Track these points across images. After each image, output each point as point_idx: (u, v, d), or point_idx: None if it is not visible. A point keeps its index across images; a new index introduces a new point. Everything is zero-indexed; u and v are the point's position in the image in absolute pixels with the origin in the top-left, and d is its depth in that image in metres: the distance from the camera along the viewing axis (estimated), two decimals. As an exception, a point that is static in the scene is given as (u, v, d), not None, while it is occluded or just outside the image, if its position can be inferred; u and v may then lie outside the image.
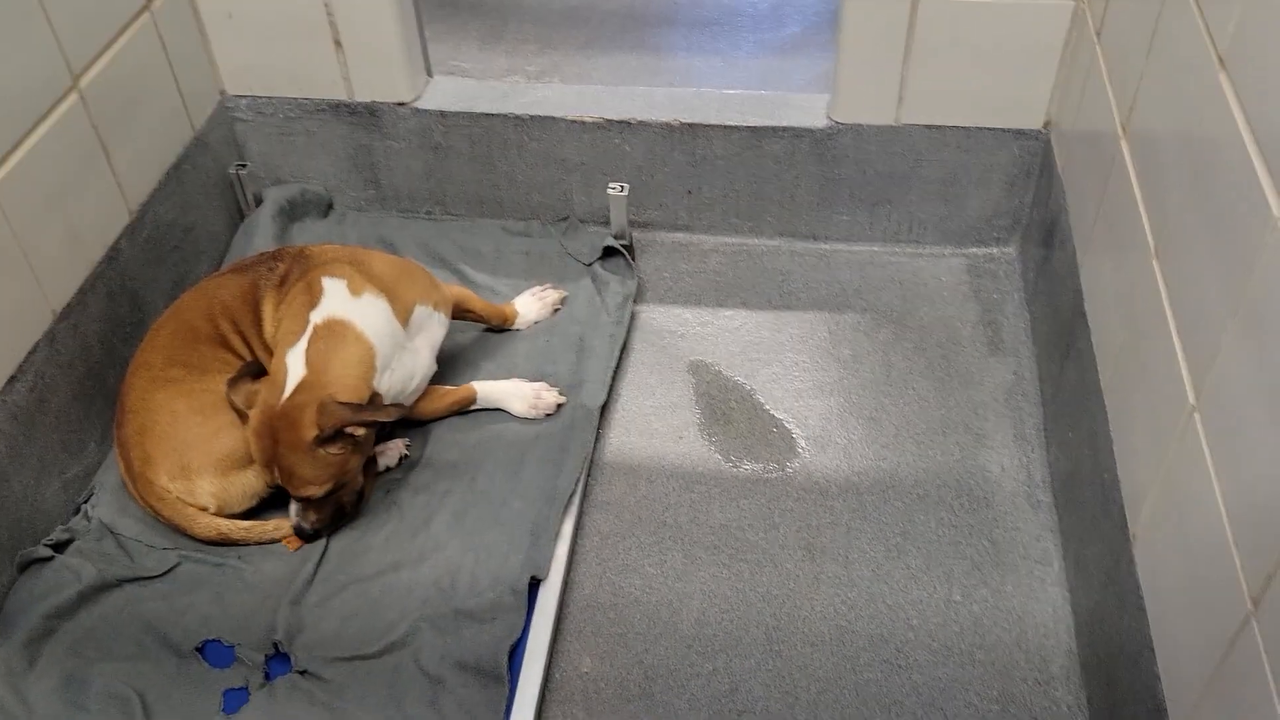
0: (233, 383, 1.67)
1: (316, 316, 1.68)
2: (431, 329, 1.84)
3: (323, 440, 1.58)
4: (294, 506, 1.68)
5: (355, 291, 1.71)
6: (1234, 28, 1.21)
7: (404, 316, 1.76)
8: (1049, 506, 1.77)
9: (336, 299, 1.70)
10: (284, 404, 1.60)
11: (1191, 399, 1.23)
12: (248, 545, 1.72)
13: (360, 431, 1.61)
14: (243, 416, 1.66)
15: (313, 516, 1.68)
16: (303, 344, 1.65)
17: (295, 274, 1.79)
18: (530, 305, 2.08)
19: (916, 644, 1.61)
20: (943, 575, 1.69)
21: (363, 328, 1.68)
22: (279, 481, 1.64)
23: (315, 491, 1.63)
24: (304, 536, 1.70)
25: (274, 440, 1.60)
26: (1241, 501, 1.09)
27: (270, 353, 1.77)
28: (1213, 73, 1.25)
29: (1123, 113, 1.60)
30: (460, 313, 1.97)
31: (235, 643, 1.59)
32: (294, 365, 1.63)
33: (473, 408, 1.91)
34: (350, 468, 1.66)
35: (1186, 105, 1.33)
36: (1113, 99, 1.65)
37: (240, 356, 1.79)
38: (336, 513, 1.70)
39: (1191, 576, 1.20)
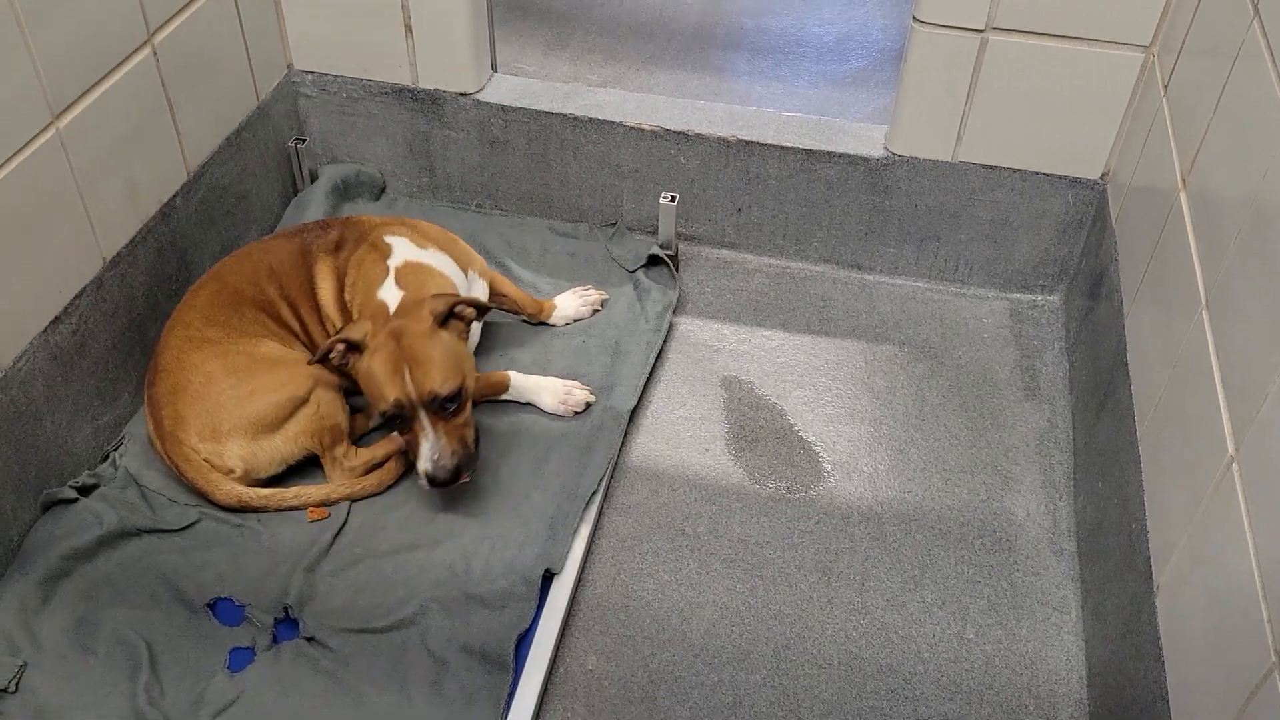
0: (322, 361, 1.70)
1: (394, 262, 1.79)
2: (477, 294, 1.91)
3: (442, 320, 1.67)
4: (425, 448, 1.63)
5: (420, 245, 1.85)
6: (1307, 83, 1.20)
7: (462, 274, 1.87)
8: (1072, 555, 1.75)
9: (406, 250, 1.83)
10: (396, 314, 1.70)
11: (1231, 449, 1.22)
12: (267, 511, 1.73)
13: (470, 312, 1.72)
14: (340, 372, 1.75)
15: (445, 445, 1.63)
16: (390, 281, 1.76)
17: (350, 238, 1.85)
18: (570, 301, 2.10)
19: (925, 677, 1.59)
20: (958, 612, 1.67)
21: (439, 269, 1.82)
22: (408, 393, 1.61)
23: (442, 384, 1.61)
24: (440, 480, 1.63)
25: (398, 343, 1.64)
26: (1275, 552, 1.07)
27: (318, 317, 1.83)
28: (1281, 128, 1.25)
29: (1184, 167, 1.59)
30: (494, 296, 1.99)
31: (246, 603, 1.60)
32: (390, 296, 1.74)
33: (504, 396, 1.92)
34: (467, 368, 1.69)
35: (1252, 161, 1.32)
36: (1175, 153, 1.64)
37: (282, 321, 1.81)
38: (465, 453, 1.65)
39: (1215, 628, 1.18)
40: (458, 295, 1.73)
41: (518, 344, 2.06)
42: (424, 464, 1.64)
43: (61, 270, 1.68)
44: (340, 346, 1.68)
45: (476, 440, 1.72)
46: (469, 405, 1.70)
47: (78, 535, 1.63)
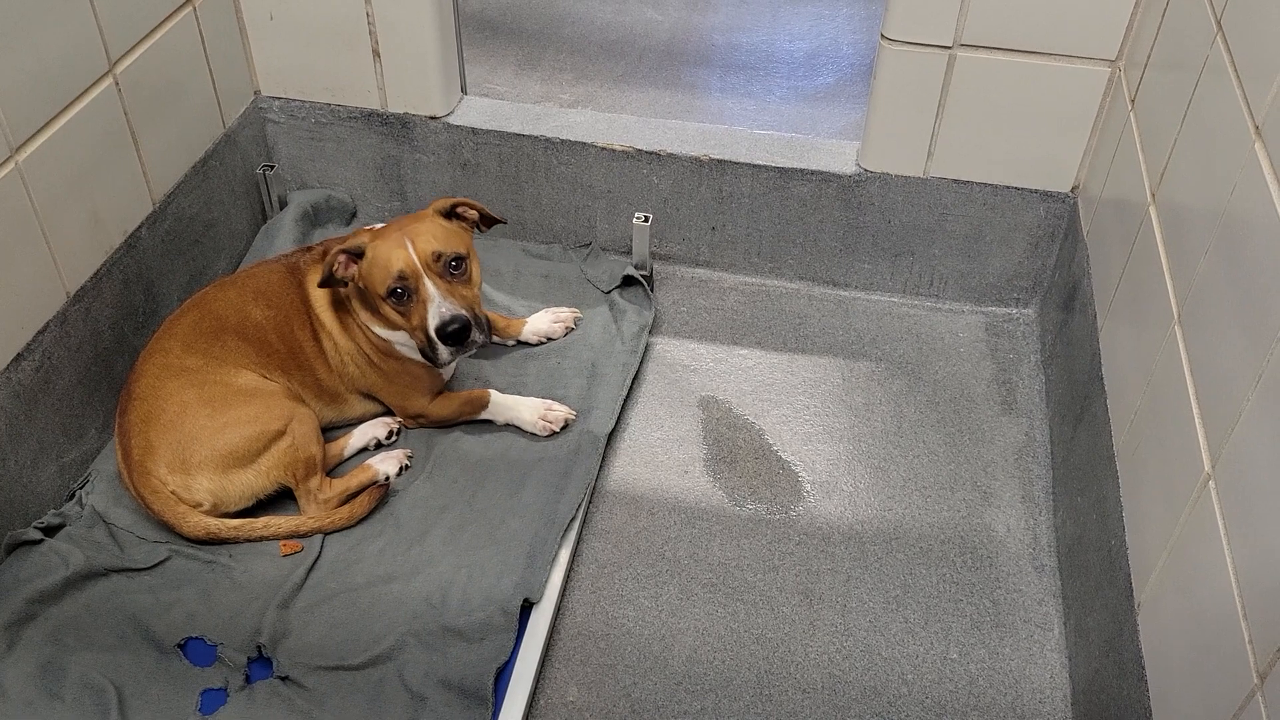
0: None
1: None
2: None
3: (445, 215, 1.76)
4: (431, 309, 1.68)
5: None
6: (1272, 98, 1.20)
7: None
8: (1053, 570, 1.74)
9: None
10: (399, 218, 1.78)
11: (1207, 467, 1.21)
12: (237, 544, 1.70)
13: (472, 213, 1.79)
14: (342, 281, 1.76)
15: (452, 298, 1.68)
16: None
17: (335, 244, 1.85)
18: (542, 318, 2.08)
19: (910, 699, 1.57)
20: (941, 631, 1.66)
21: None
22: (411, 260, 1.67)
23: (445, 244, 1.69)
24: (453, 329, 1.66)
25: (400, 230, 1.71)
26: (1254, 572, 1.06)
27: (311, 332, 1.82)
28: (1248, 143, 1.25)
29: (1153, 180, 1.59)
30: None
31: (218, 642, 1.57)
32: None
33: (483, 414, 1.90)
34: (474, 253, 1.75)
35: (1220, 174, 1.32)
36: (1144, 166, 1.65)
37: (267, 346, 1.79)
38: (472, 319, 1.69)
39: (1197, 647, 1.17)
40: (461, 198, 1.80)
41: (493, 368, 2.04)
42: (433, 321, 1.68)
43: (23, 306, 1.65)
44: (342, 258, 1.72)
45: (489, 323, 1.77)
46: (477, 288, 1.76)
47: (43, 577, 1.59)
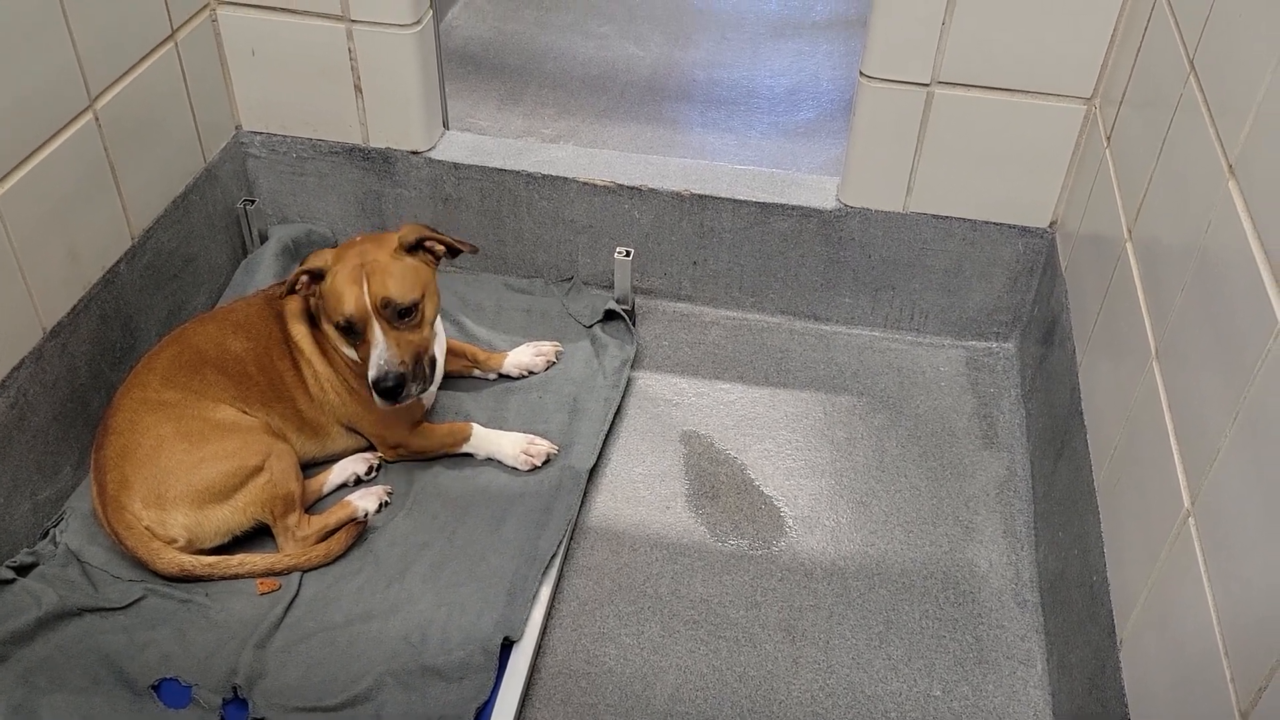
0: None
1: None
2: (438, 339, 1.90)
3: (409, 248, 1.73)
4: (374, 355, 1.67)
5: None
6: (1245, 137, 1.22)
7: None
8: (1035, 606, 1.74)
9: None
10: (362, 240, 1.75)
11: (1187, 503, 1.21)
12: (211, 581, 1.68)
13: (439, 248, 1.78)
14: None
15: (394, 352, 1.67)
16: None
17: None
18: (524, 351, 2.08)
19: (893, 738, 1.56)
20: (924, 668, 1.65)
21: None
22: (363, 303, 1.66)
23: (397, 291, 1.68)
24: (385, 384, 1.66)
25: (360, 260, 1.69)
26: (1234, 610, 1.06)
27: (291, 361, 1.82)
28: (1222, 181, 1.26)
29: (1129, 216, 1.60)
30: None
31: (193, 683, 1.54)
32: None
33: (465, 448, 1.89)
34: (429, 291, 1.74)
35: (1194, 212, 1.34)
36: (1120, 203, 1.66)
37: (247, 379, 1.79)
38: (416, 368, 1.70)
39: (1179, 685, 1.17)
40: (429, 230, 1.77)
41: (473, 401, 2.03)
42: (371, 370, 1.68)
43: (-1, 342, 1.64)
44: (304, 279, 1.73)
45: (432, 366, 1.76)
46: (427, 328, 1.75)
47: (15, 618, 1.57)
